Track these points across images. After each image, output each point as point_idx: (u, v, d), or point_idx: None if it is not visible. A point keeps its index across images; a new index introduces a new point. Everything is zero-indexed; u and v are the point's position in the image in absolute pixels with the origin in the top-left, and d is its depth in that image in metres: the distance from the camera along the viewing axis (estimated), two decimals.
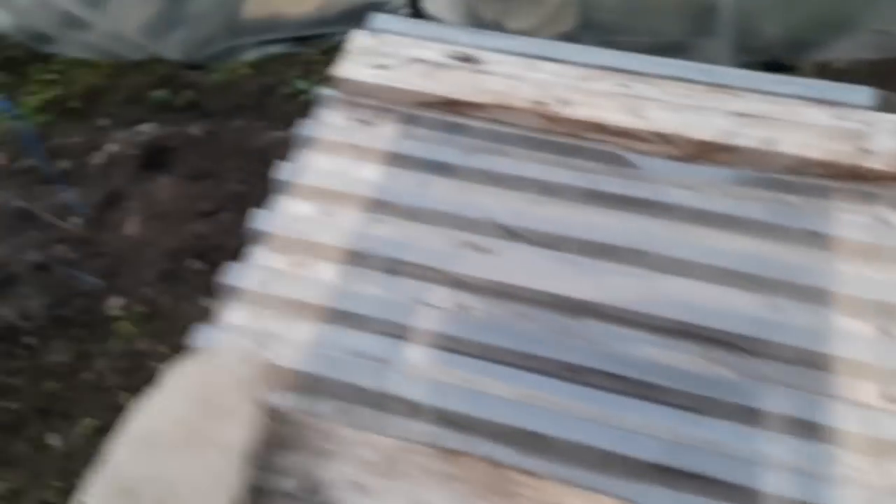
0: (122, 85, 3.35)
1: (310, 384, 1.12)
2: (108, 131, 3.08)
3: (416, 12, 2.90)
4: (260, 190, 2.72)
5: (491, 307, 1.18)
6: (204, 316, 2.42)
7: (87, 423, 2.23)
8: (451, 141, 1.36)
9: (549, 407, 1.08)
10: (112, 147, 2.99)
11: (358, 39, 1.43)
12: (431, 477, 0.98)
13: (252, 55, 3.15)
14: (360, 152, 1.36)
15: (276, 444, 1.00)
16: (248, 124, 2.93)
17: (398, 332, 1.17)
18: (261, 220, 1.28)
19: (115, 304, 2.54)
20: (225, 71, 3.13)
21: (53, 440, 2.25)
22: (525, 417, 1.08)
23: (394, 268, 1.22)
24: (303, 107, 2.90)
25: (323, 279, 1.22)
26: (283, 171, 1.34)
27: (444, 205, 1.29)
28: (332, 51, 3.14)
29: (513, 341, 1.15)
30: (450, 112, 1.37)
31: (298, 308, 1.19)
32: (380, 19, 1.45)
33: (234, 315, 1.20)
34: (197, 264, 2.56)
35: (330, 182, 1.32)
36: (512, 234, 1.25)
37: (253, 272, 1.24)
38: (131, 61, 3.37)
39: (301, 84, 2.97)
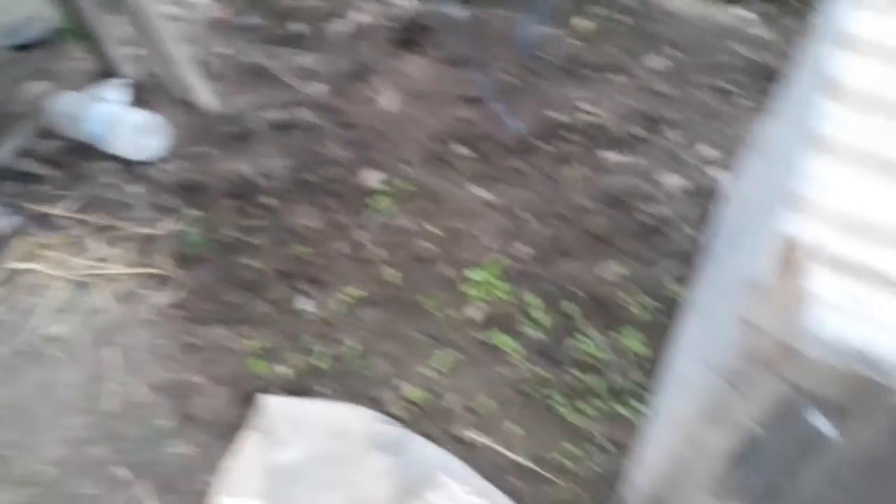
0: None
1: None
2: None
3: None
4: (530, 84, 2.53)
5: None
6: (473, 202, 2.21)
7: (350, 291, 2.08)
8: None
9: None
10: (361, 17, 2.82)
11: None
12: None
13: None
14: None
15: None
16: (513, 15, 2.72)
17: None
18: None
19: (370, 178, 2.37)
20: None
21: (304, 304, 2.11)
22: None
23: None
24: (575, 6, 2.68)
25: None
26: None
27: None
28: None
29: None
30: None
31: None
32: None
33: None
34: (462, 150, 2.38)
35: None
36: None
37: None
38: None
39: None
